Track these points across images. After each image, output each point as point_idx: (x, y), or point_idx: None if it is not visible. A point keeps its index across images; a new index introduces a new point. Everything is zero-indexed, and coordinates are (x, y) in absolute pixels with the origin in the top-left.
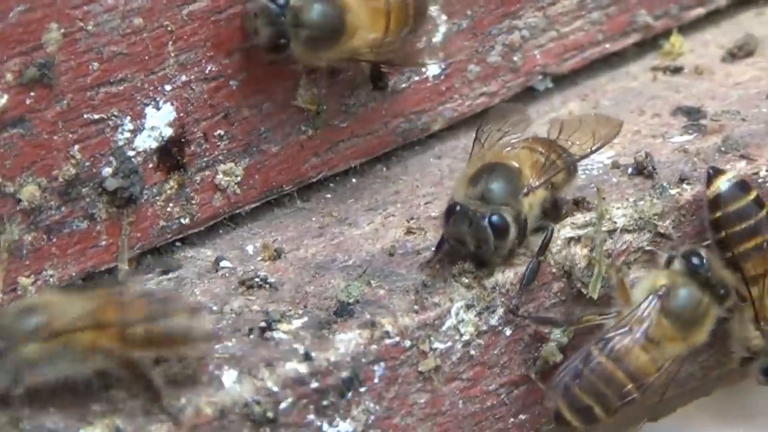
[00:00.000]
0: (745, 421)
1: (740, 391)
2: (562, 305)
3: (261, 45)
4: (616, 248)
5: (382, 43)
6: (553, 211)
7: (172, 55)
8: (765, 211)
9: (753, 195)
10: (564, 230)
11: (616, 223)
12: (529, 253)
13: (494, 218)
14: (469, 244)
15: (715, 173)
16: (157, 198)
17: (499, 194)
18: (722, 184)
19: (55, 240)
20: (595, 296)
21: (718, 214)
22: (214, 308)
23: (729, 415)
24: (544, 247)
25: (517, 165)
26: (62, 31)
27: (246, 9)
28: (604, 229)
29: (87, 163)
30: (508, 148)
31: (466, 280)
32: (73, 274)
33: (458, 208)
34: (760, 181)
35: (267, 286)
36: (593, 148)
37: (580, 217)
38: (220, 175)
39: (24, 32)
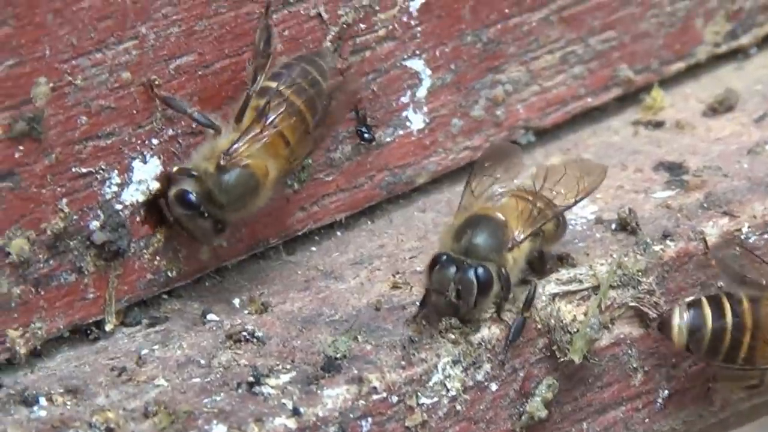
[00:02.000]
0: None
1: None
2: (547, 361)
3: (208, 242)
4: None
5: (293, 161)
6: (539, 265)
7: (160, 109)
8: None
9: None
10: (549, 286)
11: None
12: (514, 309)
13: (480, 271)
14: (450, 293)
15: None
16: (144, 251)
17: (484, 249)
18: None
19: (43, 293)
20: (577, 360)
21: None
22: (202, 362)
23: None
24: (529, 303)
25: (502, 218)
26: (51, 85)
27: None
28: (588, 285)
29: (75, 217)
30: (496, 197)
31: (453, 336)
32: (61, 326)
33: (444, 258)
34: (743, 237)
35: (254, 340)
36: (578, 198)
37: (564, 273)
38: None
39: (13, 86)
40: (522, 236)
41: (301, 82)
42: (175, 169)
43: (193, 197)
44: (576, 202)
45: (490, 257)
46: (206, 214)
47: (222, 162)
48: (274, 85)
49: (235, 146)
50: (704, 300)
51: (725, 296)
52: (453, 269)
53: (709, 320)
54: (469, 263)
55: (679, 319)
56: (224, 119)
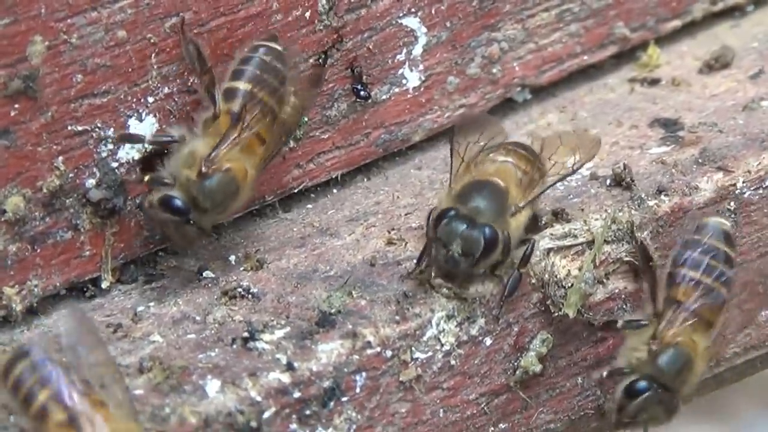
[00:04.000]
0: (715, 416)
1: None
2: (541, 315)
3: (191, 246)
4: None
5: (267, 156)
6: (533, 226)
7: (155, 67)
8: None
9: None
10: (543, 241)
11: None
12: (508, 264)
13: (488, 230)
14: (456, 247)
15: None
16: (139, 210)
17: (489, 213)
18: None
19: (39, 250)
20: (572, 315)
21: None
22: (197, 318)
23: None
24: (526, 259)
25: (504, 184)
26: (46, 43)
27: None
28: (582, 240)
29: (71, 175)
30: (492, 163)
31: (447, 291)
32: (57, 284)
33: (454, 212)
34: (737, 192)
35: (249, 296)
36: (575, 168)
37: (559, 228)
38: None
39: (9, 44)
40: (523, 203)
41: (265, 76)
42: (147, 178)
43: (180, 203)
44: (573, 172)
45: (493, 221)
46: (191, 221)
47: (204, 168)
48: (240, 85)
49: (215, 152)
50: None
51: None
52: (463, 224)
53: None
54: (478, 222)
55: None
56: (183, 123)
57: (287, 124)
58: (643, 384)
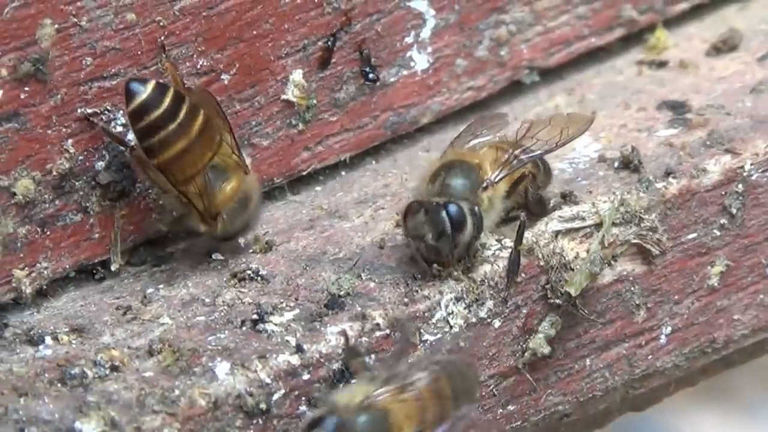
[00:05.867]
0: (720, 399)
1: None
2: None
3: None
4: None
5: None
6: (539, 208)
7: (165, 49)
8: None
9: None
10: (552, 223)
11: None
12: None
13: (450, 207)
14: (427, 236)
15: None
16: (150, 191)
17: (457, 189)
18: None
19: (48, 233)
20: (574, 293)
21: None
22: (207, 300)
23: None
24: (520, 236)
25: (476, 161)
26: (56, 26)
27: None
28: (591, 222)
29: (80, 157)
30: (472, 148)
31: (456, 273)
32: (67, 266)
33: (414, 204)
34: (744, 175)
35: (259, 278)
36: (559, 143)
37: (567, 211)
38: None
39: (18, 28)
40: (497, 177)
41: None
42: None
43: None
44: (557, 147)
45: (464, 197)
46: None
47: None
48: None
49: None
50: None
51: None
52: (422, 212)
53: None
54: (438, 203)
55: None
56: None
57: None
58: None
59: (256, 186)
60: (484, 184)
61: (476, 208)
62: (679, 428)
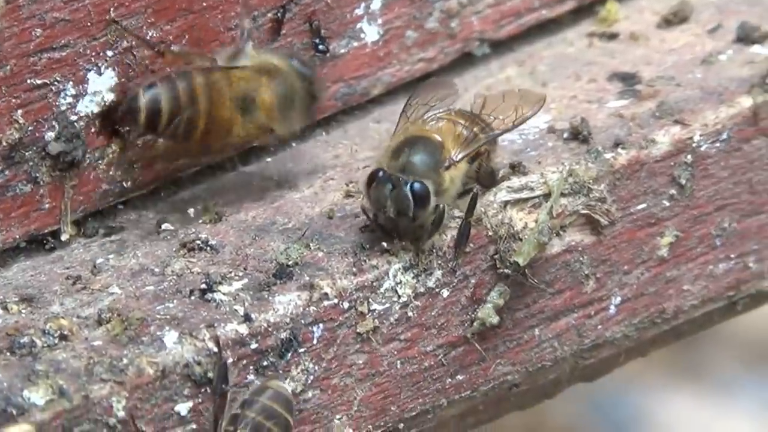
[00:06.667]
0: (693, 377)
1: (688, 347)
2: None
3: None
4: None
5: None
6: (489, 179)
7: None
8: None
9: None
10: (500, 194)
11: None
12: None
13: (416, 185)
14: (389, 209)
15: None
16: (100, 162)
17: (421, 167)
18: None
19: None
20: (522, 263)
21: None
22: (156, 270)
23: (676, 372)
24: (472, 207)
25: (439, 138)
26: None
27: None
28: (539, 193)
29: (30, 128)
30: (432, 122)
31: (403, 243)
32: (17, 236)
33: (381, 173)
34: (694, 146)
35: (208, 248)
36: (515, 123)
37: (516, 181)
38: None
39: None
40: (459, 156)
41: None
42: None
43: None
44: (514, 127)
45: (427, 175)
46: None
47: None
48: None
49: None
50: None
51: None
52: (389, 186)
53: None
54: (405, 179)
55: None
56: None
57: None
58: None
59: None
60: (447, 164)
61: (441, 187)
62: (653, 408)
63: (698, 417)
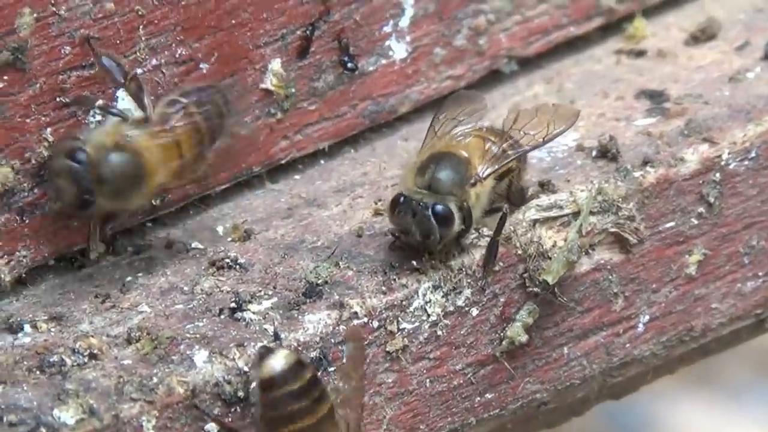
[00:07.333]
0: (704, 384)
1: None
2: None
3: (67, 205)
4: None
5: (182, 168)
6: (519, 197)
7: (143, 39)
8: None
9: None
10: (529, 212)
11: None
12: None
13: (438, 208)
14: (414, 234)
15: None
16: None
17: (446, 183)
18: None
19: (27, 221)
20: (551, 281)
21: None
22: (185, 289)
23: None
24: (501, 226)
25: (466, 155)
26: (35, 15)
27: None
28: (568, 211)
29: None
30: (460, 137)
31: (433, 262)
32: (46, 254)
33: (402, 199)
34: (722, 164)
35: (237, 266)
36: (545, 139)
37: (545, 200)
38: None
39: None
40: (485, 173)
41: (210, 108)
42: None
43: (83, 155)
44: (544, 143)
45: (453, 192)
46: (83, 181)
47: (120, 141)
48: (184, 101)
49: (137, 133)
50: None
51: None
52: (412, 212)
53: None
54: (426, 203)
55: None
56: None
57: (200, 167)
58: None
59: None
60: (473, 180)
61: (466, 204)
62: (664, 414)
63: (709, 423)
